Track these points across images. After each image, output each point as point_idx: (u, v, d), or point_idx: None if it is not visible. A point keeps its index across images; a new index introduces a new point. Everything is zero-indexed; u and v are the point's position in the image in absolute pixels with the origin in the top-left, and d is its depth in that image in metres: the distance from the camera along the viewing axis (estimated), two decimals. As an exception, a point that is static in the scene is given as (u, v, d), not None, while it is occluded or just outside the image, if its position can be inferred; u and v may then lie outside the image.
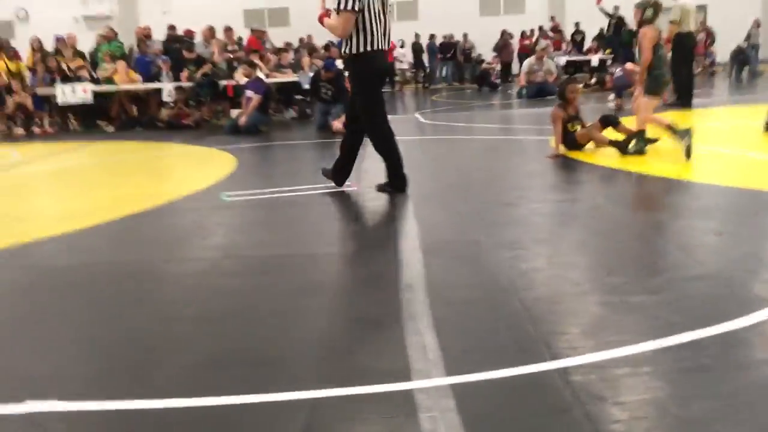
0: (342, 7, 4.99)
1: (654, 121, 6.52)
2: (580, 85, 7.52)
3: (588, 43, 21.51)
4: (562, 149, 6.93)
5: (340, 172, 5.60)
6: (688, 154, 5.96)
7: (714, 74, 17.01)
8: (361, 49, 5.10)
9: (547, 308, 2.82)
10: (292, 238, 4.35)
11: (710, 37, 19.15)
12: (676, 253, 3.53)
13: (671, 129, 6.19)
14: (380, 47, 5.15)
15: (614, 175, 5.87)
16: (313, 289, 3.24)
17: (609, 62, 19.07)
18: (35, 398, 2.20)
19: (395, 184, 5.34)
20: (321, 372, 2.33)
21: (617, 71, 12.44)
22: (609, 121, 7.00)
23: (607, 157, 6.53)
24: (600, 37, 21.27)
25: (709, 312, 2.65)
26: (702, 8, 22.17)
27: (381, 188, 5.39)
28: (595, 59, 19.32)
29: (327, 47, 14.91)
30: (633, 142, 6.58)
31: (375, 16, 5.06)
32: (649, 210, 4.77)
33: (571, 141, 7.05)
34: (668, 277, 3.14)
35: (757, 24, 21.12)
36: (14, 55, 13.27)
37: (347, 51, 5.17)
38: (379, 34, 5.11)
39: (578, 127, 7.04)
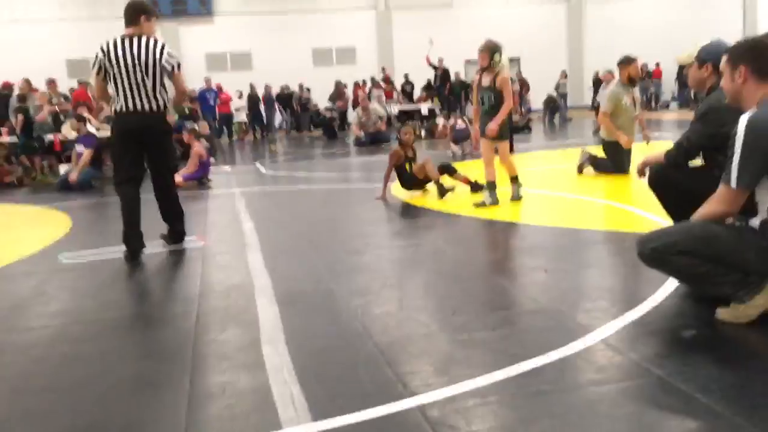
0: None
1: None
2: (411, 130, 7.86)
3: (417, 93, 22.76)
4: (401, 191, 7.45)
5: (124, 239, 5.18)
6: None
7: (530, 120, 18.59)
8: (114, 110, 5.21)
9: (401, 349, 3.02)
10: (141, 298, 4.27)
11: (525, 86, 20.95)
12: (511, 290, 3.90)
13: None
14: (125, 109, 5.06)
15: (449, 219, 6.30)
16: (170, 351, 3.22)
17: (437, 111, 20.26)
18: None
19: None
20: None
21: (458, 123, 13.22)
22: (446, 169, 7.57)
23: (442, 203, 6.99)
24: (428, 88, 22.57)
25: (543, 342, 2.97)
26: (516, 60, 24.26)
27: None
28: (424, 108, 20.47)
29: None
30: (486, 194, 6.64)
31: (119, 79, 5.01)
32: (484, 251, 5.18)
33: (409, 180, 7.57)
34: (506, 314, 3.46)
35: (564, 75, 23.45)
36: None
37: None
38: (123, 96, 5.03)
39: (415, 169, 7.57)
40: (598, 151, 8.77)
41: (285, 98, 23.29)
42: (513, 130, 12.88)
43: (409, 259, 4.87)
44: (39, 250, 5.73)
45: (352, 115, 22.32)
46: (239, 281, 4.37)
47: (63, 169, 11.00)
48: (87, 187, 10.03)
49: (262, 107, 22.53)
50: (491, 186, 6.59)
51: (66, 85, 16.64)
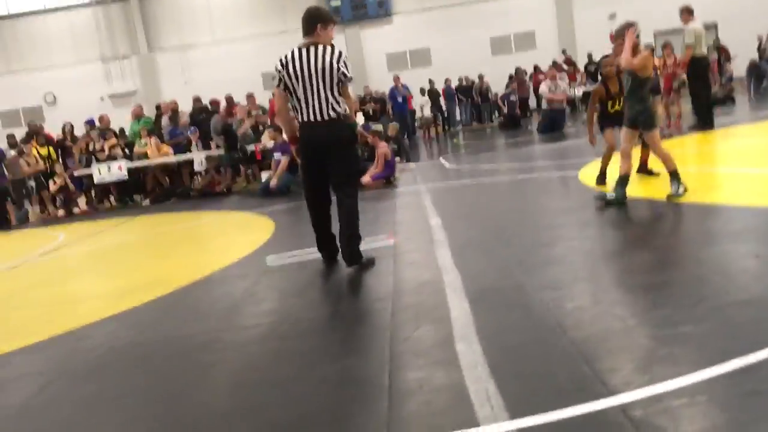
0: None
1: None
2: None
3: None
4: (590, 178, 7.08)
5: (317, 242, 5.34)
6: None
7: (731, 90, 17.04)
8: (298, 121, 5.11)
9: (598, 345, 2.93)
10: (340, 297, 4.52)
11: (725, 54, 19.26)
12: (718, 280, 3.62)
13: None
14: (307, 119, 4.99)
15: (643, 205, 5.97)
16: (369, 348, 3.39)
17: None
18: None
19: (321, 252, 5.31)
20: (391, 428, 2.47)
21: None
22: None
23: (631, 186, 6.63)
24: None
25: (757, 336, 2.73)
26: (713, 27, 22.34)
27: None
28: (611, 87, 19.45)
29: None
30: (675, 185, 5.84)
31: (299, 89, 4.94)
32: (685, 238, 4.85)
33: (610, 119, 7.04)
34: (713, 306, 3.23)
35: (768, 37, 21.21)
36: (46, 141, 13.66)
37: None
38: (305, 106, 4.96)
39: (618, 108, 6.92)
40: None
41: (465, 90, 23.33)
42: (713, 103, 11.99)
43: (602, 249, 4.69)
44: (248, 254, 6.25)
45: (533, 103, 21.87)
46: (429, 278, 4.47)
47: (264, 176, 11.89)
48: (286, 192, 10.76)
49: (442, 101, 22.75)
50: (624, 181, 5.91)
51: (263, 96, 17.89)
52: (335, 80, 4.93)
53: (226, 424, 2.72)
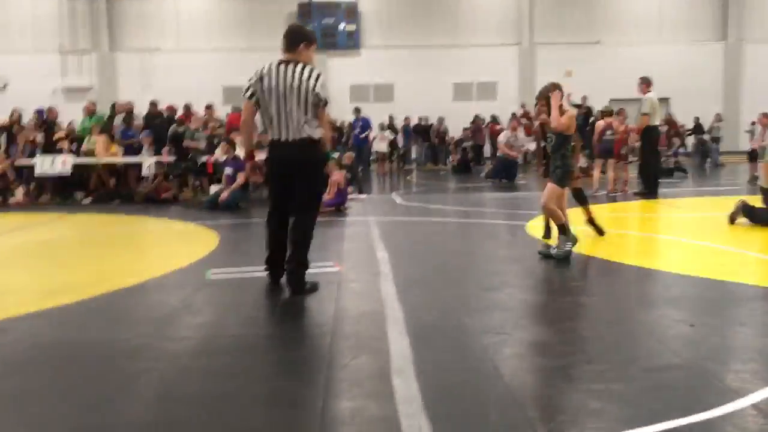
0: (242, 94, 4.96)
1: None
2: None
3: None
4: (536, 228, 7.18)
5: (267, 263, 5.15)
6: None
7: (678, 163, 17.68)
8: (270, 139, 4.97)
9: (533, 394, 2.95)
10: (279, 318, 4.44)
11: (674, 128, 20.03)
12: (653, 343, 3.70)
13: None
14: (278, 137, 4.85)
15: (586, 261, 6.09)
16: (305, 373, 3.33)
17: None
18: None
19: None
20: (320, 454, 2.41)
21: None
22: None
23: (581, 244, 6.76)
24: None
25: (687, 401, 2.79)
26: (665, 101, 23.26)
27: None
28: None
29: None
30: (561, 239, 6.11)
31: (272, 106, 4.79)
32: (624, 298, 4.95)
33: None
34: (646, 367, 3.28)
35: (718, 118, 22.20)
36: (-7, 126, 13.37)
37: None
38: (276, 123, 4.82)
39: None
40: (755, 201, 8.19)
41: (423, 130, 23.61)
42: (659, 173, 12.40)
43: (545, 300, 4.75)
44: (189, 264, 6.11)
45: (488, 150, 22.28)
46: (372, 309, 4.44)
47: (213, 189, 11.70)
48: (233, 208, 10.61)
49: (399, 138, 22.95)
50: (565, 230, 6.07)
51: (222, 110, 17.70)
52: (311, 101, 4.77)
53: (149, 436, 2.62)
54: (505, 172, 15.42)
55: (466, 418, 2.70)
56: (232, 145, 11.56)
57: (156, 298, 4.98)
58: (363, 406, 2.84)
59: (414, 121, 23.52)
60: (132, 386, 3.16)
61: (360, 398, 2.95)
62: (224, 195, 10.78)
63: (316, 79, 4.81)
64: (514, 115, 22.13)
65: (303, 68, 4.81)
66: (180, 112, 14.33)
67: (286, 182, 4.93)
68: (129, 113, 13.97)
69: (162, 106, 14.78)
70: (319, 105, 4.83)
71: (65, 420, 2.78)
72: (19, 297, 5.08)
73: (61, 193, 12.97)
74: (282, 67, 4.82)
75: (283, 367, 3.42)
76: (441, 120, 23.67)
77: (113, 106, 14.07)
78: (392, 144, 22.60)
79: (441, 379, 3.15)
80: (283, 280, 5.01)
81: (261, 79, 4.82)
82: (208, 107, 14.76)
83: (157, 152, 12.92)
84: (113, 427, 2.71)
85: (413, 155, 24.09)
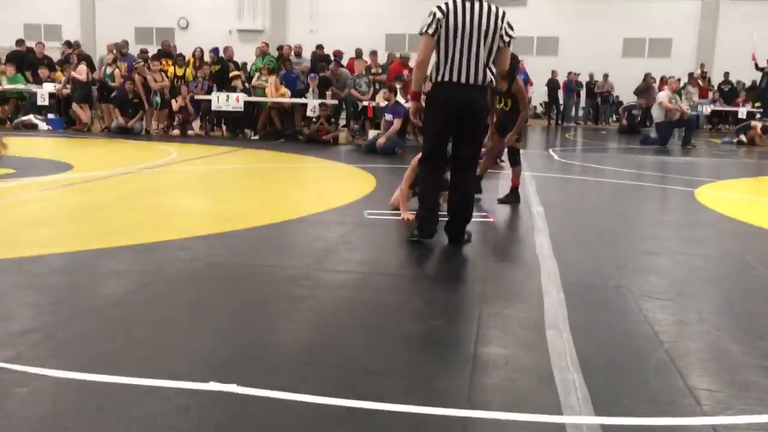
0: (420, 30, 4.61)
1: None
2: None
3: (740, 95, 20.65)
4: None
5: (420, 219, 4.83)
6: None
7: None
8: (435, 80, 4.66)
9: (697, 363, 2.81)
10: (435, 260, 4.52)
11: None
12: (835, 326, 3.39)
13: None
14: (457, 79, 4.56)
15: (757, 231, 5.64)
16: (458, 316, 3.38)
17: (758, 116, 18.22)
18: (217, 381, 2.45)
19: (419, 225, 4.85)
20: (472, 394, 2.46)
21: None
22: None
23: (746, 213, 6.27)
24: (752, 89, 20.39)
25: None
26: None
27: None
28: (742, 111, 18.52)
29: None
30: None
31: (456, 45, 4.50)
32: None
33: None
34: (827, 350, 3.03)
35: None
36: (182, 62, 14.44)
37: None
38: (456, 64, 4.53)
39: None
40: None
41: (586, 87, 22.63)
42: None
43: (712, 270, 4.47)
44: (347, 203, 6.33)
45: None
46: (527, 262, 4.41)
47: (371, 134, 11.96)
48: (390, 153, 10.79)
49: (560, 94, 22.17)
50: None
51: (384, 58, 17.90)
52: (495, 42, 4.53)
53: (309, 355, 2.78)
54: (678, 135, 14.43)
55: (623, 379, 2.64)
56: (392, 91, 11.70)
57: (316, 232, 5.21)
58: (515, 354, 2.85)
59: (578, 77, 22.55)
60: (295, 310, 3.35)
61: (512, 346, 2.96)
62: (381, 140, 10.98)
63: (503, 18, 4.55)
64: (691, 75, 20.71)
65: (489, 8, 4.54)
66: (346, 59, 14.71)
67: (450, 127, 4.70)
68: (296, 56, 14.48)
69: (329, 51, 15.21)
70: (506, 45, 4.63)
71: (237, 334, 3.01)
72: (198, 219, 5.51)
73: (232, 129, 13.81)
74: (468, 4, 4.52)
75: (436, 308, 3.48)
76: (605, 76, 22.53)
77: (280, 48, 14.66)
78: (552, 100, 21.95)
79: (596, 339, 3.08)
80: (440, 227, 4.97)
81: (446, 14, 4.50)
82: (373, 53, 15.01)
83: (321, 95, 13.36)
84: (281, 344, 2.90)
85: (573, 113, 23.23)
